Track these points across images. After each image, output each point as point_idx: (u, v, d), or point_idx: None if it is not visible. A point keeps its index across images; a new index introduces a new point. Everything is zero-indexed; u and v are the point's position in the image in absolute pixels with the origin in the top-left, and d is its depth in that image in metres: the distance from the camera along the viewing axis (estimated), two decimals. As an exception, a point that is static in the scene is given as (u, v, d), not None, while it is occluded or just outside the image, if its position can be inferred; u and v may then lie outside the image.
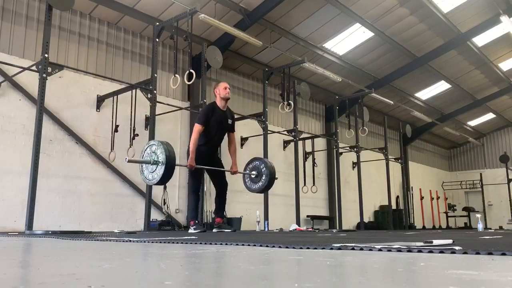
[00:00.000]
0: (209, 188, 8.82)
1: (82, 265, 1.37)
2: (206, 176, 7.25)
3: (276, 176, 5.99)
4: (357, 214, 11.45)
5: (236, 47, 9.98)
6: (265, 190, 6.07)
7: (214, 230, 5.71)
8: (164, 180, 4.60)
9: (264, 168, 5.81)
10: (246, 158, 10.30)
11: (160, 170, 4.50)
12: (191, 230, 5.44)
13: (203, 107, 6.47)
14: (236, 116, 9.34)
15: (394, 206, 14.32)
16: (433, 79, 13.92)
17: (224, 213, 6.14)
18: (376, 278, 1.07)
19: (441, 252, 1.70)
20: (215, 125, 5.43)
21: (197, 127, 5.33)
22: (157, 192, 8.13)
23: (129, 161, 4.64)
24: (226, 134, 5.72)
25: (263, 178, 5.80)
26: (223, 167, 5.72)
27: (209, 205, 9.04)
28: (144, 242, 2.81)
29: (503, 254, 1.56)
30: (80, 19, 7.94)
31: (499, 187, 18.13)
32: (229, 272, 1.20)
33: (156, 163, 4.51)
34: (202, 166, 5.38)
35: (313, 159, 11.67)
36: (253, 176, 5.89)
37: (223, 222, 5.81)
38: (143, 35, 8.89)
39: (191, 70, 6.58)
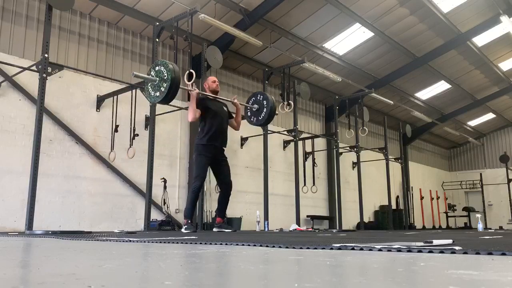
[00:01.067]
0: (209, 188, 8.82)
1: (82, 265, 1.37)
2: (207, 176, 7.26)
3: (276, 112, 6.09)
4: (357, 214, 11.45)
5: (236, 47, 9.98)
6: (264, 124, 6.29)
7: (215, 230, 5.72)
8: (167, 98, 4.73)
9: (266, 103, 5.94)
10: (246, 158, 10.37)
11: (165, 88, 4.64)
12: (183, 230, 5.48)
13: None
14: (236, 116, 9.39)
15: (394, 206, 14.32)
16: (433, 79, 13.92)
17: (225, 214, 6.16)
18: (376, 278, 1.07)
19: (441, 252, 1.70)
20: (214, 113, 5.43)
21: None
22: (157, 192, 8.13)
23: (136, 75, 4.78)
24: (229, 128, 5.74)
25: (264, 112, 6.00)
26: (228, 167, 5.67)
27: (209, 205, 9.04)
28: (144, 242, 2.81)
29: (503, 254, 1.56)
30: (80, 19, 7.94)
31: (499, 187, 18.13)
32: (229, 272, 1.20)
33: (161, 81, 4.64)
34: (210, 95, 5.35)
35: (313, 159, 11.67)
36: (254, 109, 6.03)
37: (224, 222, 5.82)
38: (143, 35, 8.89)
39: (191, 70, 6.56)
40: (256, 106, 6.07)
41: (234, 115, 5.79)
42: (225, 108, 5.68)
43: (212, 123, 5.41)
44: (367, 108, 12.26)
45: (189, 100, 9.65)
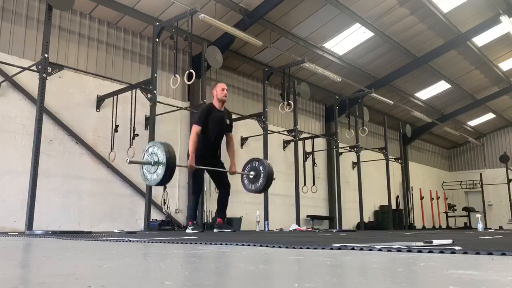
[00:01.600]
0: (209, 188, 8.82)
1: (82, 265, 1.37)
2: (207, 176, 7.26)
3: (274, 177, 5.99)
4: (357, 214, 11.45)
5: (236, 47, 9.98)
6: (262, 190, 6.09)
7: (215, 230, 5.73)
8: (164, 180, 4.62)
9: (262, 169, 5.82)
10: (246, 158, 10.30)
11: (161, 171, 4.51)
12: (188, 230, 5.48)
13: (200, 107, 6.47)
14: (236, 116, 9.39)
15: (394, 206, 14.32)
16: (433, 79, 13.92)
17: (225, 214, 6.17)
18: (376, 278, 1.07)
19: (441, 252, 1.70)
20: (212, 126, 5.42)
21: (195, 128, 5.33)
22: (157, 192, 8.13)
23: (130, 162, 4.67)
24: (225, 136, 5.72)
25: (261, 179, 5.81)
26: (225, 169, 5.71)
27: (209, 205, 9.04)
28: (144, 242, 2.81)
29: (503, 254, 1.56)
30: (80, 19, 7.94)
31: (499, 187, 18.13)
32: (229, 272, 1.20)
33: (156, 164, 4.53)
34: (202, 167, 5.37)
35: (313, 159, 11.67)
36: (251, 176, 5.90)
37: (224, 223, 5.83)
38: (143, 35, 8.89)
39: (191, 70, 6.58)
40: (252, 173, 5.88)
41: (231, 131, 5.72)
42: (227, 121, 5.62)
43: (208, 136, 5.41)
44: (367, 108, 12.27)
45: (189, 100, 9.68)
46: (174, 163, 4.55)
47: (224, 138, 5.72)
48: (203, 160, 5.41)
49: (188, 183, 8.77)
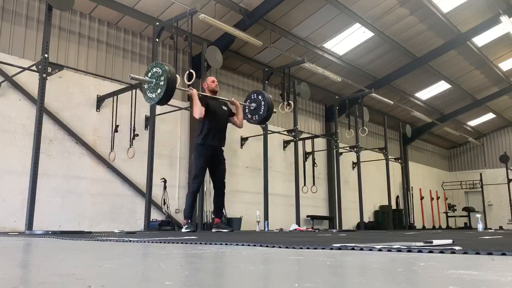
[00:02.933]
0: (209, 188, 8.81)
1: (82, 265, 1.37)
2: (207, 176, 7.26)
3: (274, 110, 6.17)
4: (357, 214, 11.45)
5: (236, 47, 9.98)
6: (264, 120, 6.32)
7: (213, 230, 5.75)
8: (164, 99, 4.78)
9: (262, 98, 6.02)
10: (246, 158, 10.37)
11: (162, 89, 4.69)
12: (183, 230, 5.54)
13: None
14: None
15: (394, 206, 14.32)
16: (433, 79, 13.92)
17: (224, 213, 6.19)
18: (376, 278, 1.07)
19: (441, 252, 1.70)
20: (213, 112, 5.47)
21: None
22: (157, 192, 8.13)
23: (132, 78, 4.85)
24: (229, 124, 5.82)
25: (262, 108, 6.07)
26: (225, 168, 5.74)
27: (209, 205, 9.04)
28: (144, 242, 2.81)
29: (503, 254, 1.56)
30: (80, 19, 7.94)
31: (499, 187, 18.12)
32: (229, 272, 1.20)
33: (158, 83, 4.67)
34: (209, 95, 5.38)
35: (313, 159, 11.67)
36: (252, 108, 6.07)
37: (221, 222, 5.84)
38: (143, 35, 8.89)
39: (191, 70, 6.57)
40: (254, 104, 6.13)
41: (233, 114, 5.83)
42: (224, 108, 5.71)
43: (211, 123, 5.46)
44: (367, 108, 12.26)
45: (189, 100, 9.68)
46: (174, 83, 4.74)
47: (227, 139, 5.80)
48: (207, 159, 5.45)
49: (188, 183, 8.77)
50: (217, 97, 5.78)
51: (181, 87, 5.57)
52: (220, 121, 5.58)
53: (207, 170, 5.71)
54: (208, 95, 5.65)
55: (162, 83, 4.68)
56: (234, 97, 10.51)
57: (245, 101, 6.33)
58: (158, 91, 4.71)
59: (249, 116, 6.26)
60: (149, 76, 4.82)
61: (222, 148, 5.69)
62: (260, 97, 6.13)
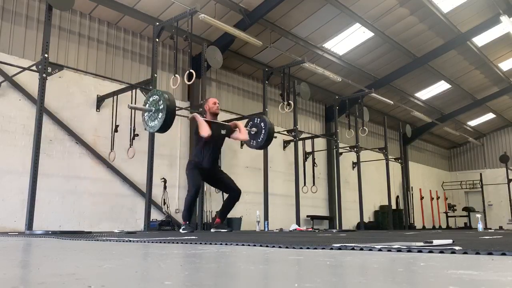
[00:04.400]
0: (209, 188, 8.82)
1: (82, 265, 1.37)
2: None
3: (275, 135, 6.12)
4: (357, 214, 11.45)
5: (236, 47, 9.98)
6: (264, 146, 6.28)
7: (212, 230, 5.79)
8: (164, 127, 4.75)
9: (263, 125, 5.97)
10: (246, 158, 10.37)
11: (162, 117, 4.67)
12: (181, 230, 5.55)
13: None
14: (236, 116, 9.41)
15: (394, 206, 14.32)
16: (433, 79, 13.92)
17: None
18: (376, 278, 1.07)
19: (441, 252, 1.70)
20: (213, 139, 5.45)
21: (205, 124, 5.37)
22: (157, 192, 8.13)
23: (131, 107, 4.82)
24: (227, 142, 5.90)
25: (262, 134, 5.99)
26: (225, 175, 5.76)
27: (209, 205, 9.04)
28: (144, 242, 2.81)
29: (503, 254, 1.56)
30: (80, 19, 7.94)
31: (499, 187, 18.13)
32: (229, 272, 1.20)
33: (157, 111, 4.64)
34: (209, 120, 5.40)
35: (313, 159, 11.67)
36: (253, 132, 6.04)
37: (221, 223, 5.86)
38: (143, 35, 8.89)
39: (191, 70, 6.58)
40: (254, 129, 6.03)
41: (233, 131, 5.77)
42: (223, 132, 5.64)
43: (209, 149, 5.47)
44: (367, 108, 12.26)
45: (189, 100, 9.68)
46: (173, 111, 4.71)
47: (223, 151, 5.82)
48: (205, 173, 5.50)
49: (188, 190, 8.76)
50: (217, 121, 5.69)
51: (180, 114, 5.53)
52: (217, 147, 5.61)
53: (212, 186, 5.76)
54: (209, 120, 5.57)
55: (161, 113, 4.60)
56: (234, 97, 10.58)
57: (247, 123, 6.22)
58: (158, 119, 4.64)
59: (250, 140, 6.16)
60: (148, 104, 4.76)
61: (218, 163, 5.87)
62: (262, 123, 6.01)
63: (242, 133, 5.72)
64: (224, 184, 5.75)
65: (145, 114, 4.83)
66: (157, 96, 4.73)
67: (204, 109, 5.75)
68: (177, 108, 8.32)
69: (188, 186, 5.73)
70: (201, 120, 5.37)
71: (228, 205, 5.78)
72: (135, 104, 7.51)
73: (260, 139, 6.01)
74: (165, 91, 4.83)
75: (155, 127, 4.70)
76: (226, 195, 5.88)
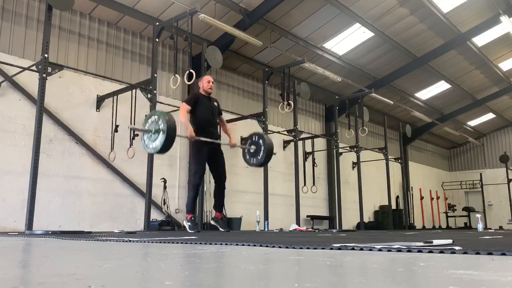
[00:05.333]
0: (209, 188, 8.82)
1: (82, 265, 1.37)
2: (206, 176, 7.27)
3: (275, 152, 6.10)
4: (357, 214, 11.45)
5: (236, 47, 9.97)
6: (263, 164, 6.21)
7: (211, 222, 5.84)
8: (165, 148, 4.71)
9: (262, 143, 5.95)
10: (246, 158, 10.34)
11: (162, 139, 4.61)
12: (186, 225, 5.61)
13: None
14: (236, 116, 9.41)
15: (394, 206, 14.32)
16: (433, 79, 13.92)
17: (224, 213, 6.23)
18: (376, 278, 1.07)
19: (441, 252, 1.70)
20: (202, 107, 5.59)
21: (184, 105, 5.57)
22: (157, 192, 8.13)
23: (132, 128, 4.76)
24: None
25: (261, 152, 5.95)
26: (224, 162, 5.82)
27: (209, 205, 9.03)
28: (144, 242, 2.81)
29: (503, 254, 1.56)
30: (80, 19, 7.94)
31: (499, 187, 18.13)
32: (229, 272, 1.20)
33: (157, 132, 4.62)
34: (203, 138, 5.46)
35: (313, 159, 11.67)
36: (251, 150, 6.02)
37: (222, 219, 5.89)
38: (143, 35, 8.89)
39: (191, 70, 6.58)
40: (253, 147, 5.99)
41: (221, 113, 5.96)
42: (214, 103, 5.82)
43: (201, 116, 5.58)
44: (367, 108, 12.27)
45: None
46: (174, 131, 4.65)
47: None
48: (206, 154, 5.58)
49: (188, 183, 8.78)
50: (214, 141, 5.70)
51: (180, 135, 5.54)
52: (210, 116, 5.70)
53: (207, 166, 5.77)
54: (204, 95, 5.75)
55: (161, 134, 4.58)
56: (234, 97, 10.58)
57: (246, 140, 6.17)
58: (158, 141, 4.60)
59: (248, 157, 6.09)
60: (147, 125, 4.74)
61: (219, 142, 5.82)
62: (260, 141, 5.93)
63: (226, 127, 5.95)
64: (218, 171, 5.80)
65: (145, 136, 4.78)
66: (156, 117, 4.68)
67: (198, 85, 5.87)
68: (177, 108, 8.38)
69: (192, 170, 5.83)
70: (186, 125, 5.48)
71: (218, 195, 5.86)
72: (134, 109, 7.52)
73: (259, 157, 5.95)
74: (165, 112, 4.78)
75: (156, 148, 4.65)
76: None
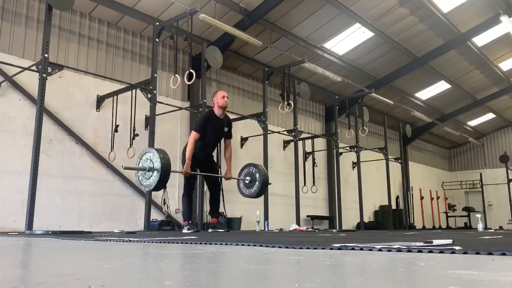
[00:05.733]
0: (207, 190, 8.81)
1: (82, 265, 1.37)
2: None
3: (270, 182, 6.06)
4: (357, 214, 11.45)
5: (236, 47, 9.97)
6: (257, 196, 6.12)
7: (210, 230, 5.84)
8: (159, 186, 4.69)
9: (258, 176, 5.88)
10: (246, 158, 10.33)
11: (155, 177, 4.56)
12: (185, 230, 5.62)
13: (201, 114, 6.58)
14: (236, 116, 9.40)
15: (394, 206, 14.32)
16: (433, 79, 13.92)
17: (222, 213, 6.28)
18: (376, 278, 1.07)
19: (441, 252, 1.70)
20: (210, 132, 5.52)
21: (194, 134, 5.45)
22: (157, 192, 8.12)
23: (126, 168, 4.74)
24: (223, 140, 5.86)
25: (256, 184, 5.90)
26: (218, 170, 5.86)
27: (209, 206, 9.02)
28: (144, 242, 2.81)
29: (503, 254, 1.56)
30: (80, 19, 7.94)
31: (499, 187, 18.13)
32: (229, 272, 1.20)
33: (151, 170, 4.58)
34: (196, 173, 5.46)
35: (313, 159, 11.67)
36: (247, 181, 5.96)
37: (218, 222, 5.93)
38: (143, 35, 8.89)
39: (191, 70, 6.58)
40: (248, 178, 5.95)
41: (230, 137, 5.85)
42: (225, 129, 5.69)
43: (206, 143, 5.56)
44: (367, 108, 12.27)
45: (189, 100, 9.67)
46: (168, 170, 4.62)
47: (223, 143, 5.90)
48: (198, 163, 5.61)
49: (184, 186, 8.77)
50: (222, 118, 5.66)
51: (175, 170, 5.56)
52: (215, 140, 5.71)
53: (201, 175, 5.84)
54: (215, 112, 5.61)
55: (156, 172, 4.54)
56: (234, 97, 10.58)
57: (241, 170, 6.13)
58: (153, 178, 4.57)
59: (242, 186, 6.07)
60: (141, 163, 4.70)
61: (215, 175, 5.89)
62: (257, 174, 5.90)
63: (228, 155, 5.80)
64: (212, 181, 5.88)
65: (139, 173, 4.77)
66: (151, 154, 4.65)
67: (212, 101, 5.72)
68: (177, 108, 8.39)
69: (184, 182, 5.88)
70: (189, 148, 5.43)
71: (212, 201, 5.91)
72: (134, 112, 7.51)
73: (254, 189, 5.91)
74: (159, 149, 4.74)
75: (150, 186, 4.64)
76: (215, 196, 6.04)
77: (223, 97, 5.59)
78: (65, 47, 7.62)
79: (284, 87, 9.08)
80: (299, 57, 10.05)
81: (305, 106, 12.83)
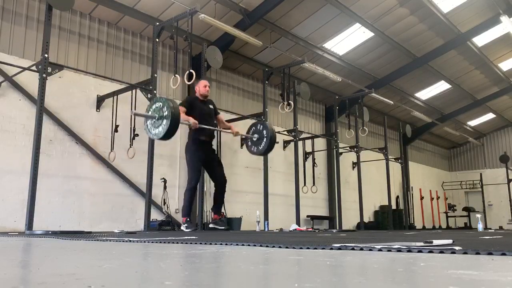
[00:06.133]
0: (209, 188, 8.82)
1: (82, 265, 1.37)
2: (207, 176, 7.26)
3: (277, 141, 6.14)
4: (357, 214, 11.45)
5: (236, 47, 9.97)
6: (265, 153, 6.32)
7: (210, 226, 5.91)
8: (168, 135, 4.72)
9: (265, 131, 6.00)
10: (246, 158, 10.36)
11: (166, 125, 4.63)
12: (183, 228, 5.67)
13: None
14: (236, 116, 9.40)
15: (394, 206, 14.32)
16: (433, 79, 13.92)
17: (222, 213, 6.30)
18: (376, 278, 1.07)
19: (441, 252, 1.70)
20: (198, 110, 5.66)
21: (181, 108, 5.55)
22: (157, 192, 8.13)
23: (135, 114, 4.83)
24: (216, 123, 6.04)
25: (264, 141, 5.97)
26: (221, 164, 5.89)
27: (209, 206, 9.03)
28: (144, 242, 2.81)
29: (503, 254, 1.56)
30: (80, 19, 7.94)
31: (499, 187, 18.13)
32: (229, 272, 1.20)
33: (161, 118, 4.62)
34: (204, 126, 5.51)
35: (313, 159, 11.67)
36: (254, 139, 6.05)
37: (220, 219, 5.93)
38: (143, 35, 8.89)
39: (191, 70, 6.58)
40: (256, 135, 6.05)
41: (218, 113, 6.08)
42: (210, 106, 5.91)
43: (199, 119, 5.62)
44: (367, 108, 12.26)
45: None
46: (178, 118, 4.69)
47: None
48: (202, 147, 5.70)
49: (188, 179, 8.78)
50: (221, 129, 6.00)
51: (184, 122, 5.59)
52: (207, 119, 5.75)
53: (206, 171, 5.85)
54: (198, 98, 5.85)
55: (165, 120, 4.59)
56: (234, 97, 10.58)
57: (249, 129, 6.31)
58: (162, 127, 4.63)
59: (250, 144, 6.22)
60: (150, 111, 4.76)
61: (212, 144, 5.95)
62: (264, 131, 6.02)
63: (224, 123, 6.11)
64: (217, 175, 5.90)
65: (148, 122, 4.80)
66: (160, 103, 4.71)
67: (195, 89, 5.95)
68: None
69: (188, 175, 5.86)
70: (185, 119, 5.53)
71: (218, 198, 5.94)
72: (135, 109, 7.51)
73: (262, 146, 6.03)
74: (169, 98, 4.87)
75: (159, 134, 4.67)
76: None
77: (205, 86, 5.86)
78: (65, 47, 7.62)
79: (284, 87, 9.08)
80: (299, 57, 10.05)
81: (305, 106, 12.83)
